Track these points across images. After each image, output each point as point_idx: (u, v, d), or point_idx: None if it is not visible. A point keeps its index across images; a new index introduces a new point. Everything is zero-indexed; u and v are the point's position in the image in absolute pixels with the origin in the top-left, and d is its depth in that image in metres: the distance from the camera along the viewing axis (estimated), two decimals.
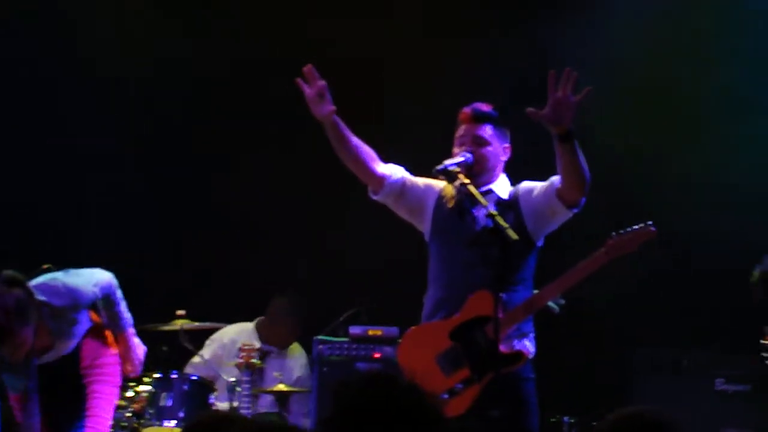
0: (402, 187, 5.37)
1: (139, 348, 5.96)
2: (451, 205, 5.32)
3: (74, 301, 5.68)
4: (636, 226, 5.18)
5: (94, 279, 5.74)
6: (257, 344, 7.84)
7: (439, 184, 5.39)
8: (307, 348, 7.72)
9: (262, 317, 8.15)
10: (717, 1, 8.01)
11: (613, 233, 5.17)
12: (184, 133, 8.54)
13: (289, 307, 8.09)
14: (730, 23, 7.89)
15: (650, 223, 5.18)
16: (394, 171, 5.39)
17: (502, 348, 4.98)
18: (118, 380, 5.91)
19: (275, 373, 7.73)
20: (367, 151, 5.32)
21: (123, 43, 8.37)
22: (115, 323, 5.88)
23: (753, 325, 6.91)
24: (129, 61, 8.37)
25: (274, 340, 8.04)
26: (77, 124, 8.36)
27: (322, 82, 5.14)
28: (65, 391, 5.77)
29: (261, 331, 8.08)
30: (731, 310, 7.42)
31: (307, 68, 5.14)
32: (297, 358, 8.06)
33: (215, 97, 8.53)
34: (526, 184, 5.31)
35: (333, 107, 5.15)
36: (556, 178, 5.12)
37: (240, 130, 8.50)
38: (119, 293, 5.86)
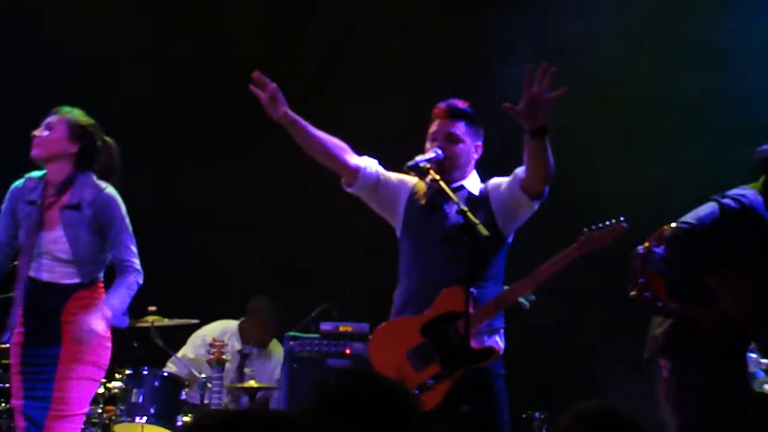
0: (376, 180, 5.36)
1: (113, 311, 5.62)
2: (423, 201, 5.32)
3: (106, 205, 5.66)
4: (608, 222, 5.18)
5: (133, 240, 5.74)
6: (238, 346, 7.88)
7: (412, 180, 5.38)
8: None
9: (244, 318, 8.17)
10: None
11: (585, 229, 5.17)
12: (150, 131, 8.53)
13: (265, 307, 8.10)
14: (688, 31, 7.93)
15: (622, 219, 5.18)
16: (368, 163, 5.38)
17: (473, 344, 4.99)
18: (103, 363, 5.64)
19: (247, 370, 7.73)
20: (336, 143, 5.31)
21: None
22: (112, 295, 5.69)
23: None
24: (93, 43, 8.32)
25: (253, 340, 8.06)
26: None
27: (272, 85, 5.13)
28: (45, 331, 5.55)
29: (242, 332, 8.10)
30: None
31: (255, 74, 5.13)
32: (277, 358, 8.06)
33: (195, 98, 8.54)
34: (494, 180, 5.31)
35: (285, 108, 5.14)
36: (519, 170, 5.11)
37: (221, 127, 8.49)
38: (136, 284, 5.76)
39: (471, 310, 4.87)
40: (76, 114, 5.78)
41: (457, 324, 5.02)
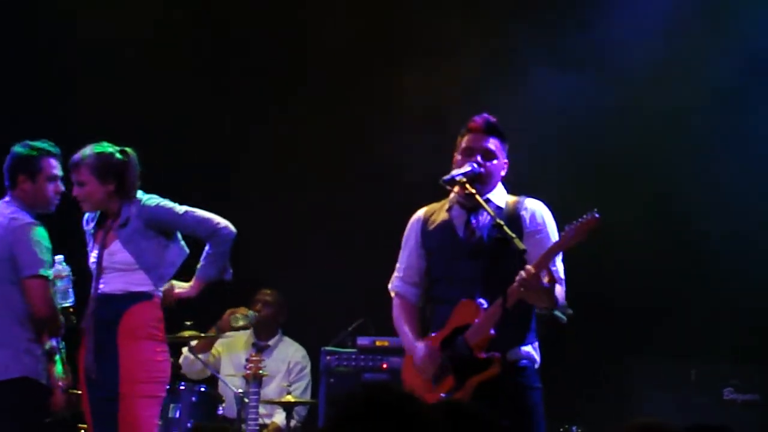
0: (419, 273, 5.39)
1: None
2: (441, 218, 5.30)
3: (150, 214, 5.71)
4: (582, 217, 5.06)
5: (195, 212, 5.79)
6: (252, 340, 7.85)
7: (418, 214, 5.40)
8: (315, 359, 7.70)
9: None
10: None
11: (565, 226, 5.07)
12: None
13: (266, 299, 8.11)
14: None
15: (595, 210, 5.05)
16: (404, 287, 5.45)
17: (495, 354, 4.99)
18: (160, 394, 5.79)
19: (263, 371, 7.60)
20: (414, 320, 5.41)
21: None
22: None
23: (762, 335, 6.89)
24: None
25: (261, 334, 8.05)
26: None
27: None
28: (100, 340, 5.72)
29: (255, 329, 8.12)
30: (741, 319, 7.41)
31: None
32: (287, 346, 8.07)
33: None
34: (532, 207, 5.30)
35: None
36: None
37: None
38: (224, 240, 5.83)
39: (477, 320, 4.97)
40: (93, 153, 5.77)
41: (465, 335, 5.03)
